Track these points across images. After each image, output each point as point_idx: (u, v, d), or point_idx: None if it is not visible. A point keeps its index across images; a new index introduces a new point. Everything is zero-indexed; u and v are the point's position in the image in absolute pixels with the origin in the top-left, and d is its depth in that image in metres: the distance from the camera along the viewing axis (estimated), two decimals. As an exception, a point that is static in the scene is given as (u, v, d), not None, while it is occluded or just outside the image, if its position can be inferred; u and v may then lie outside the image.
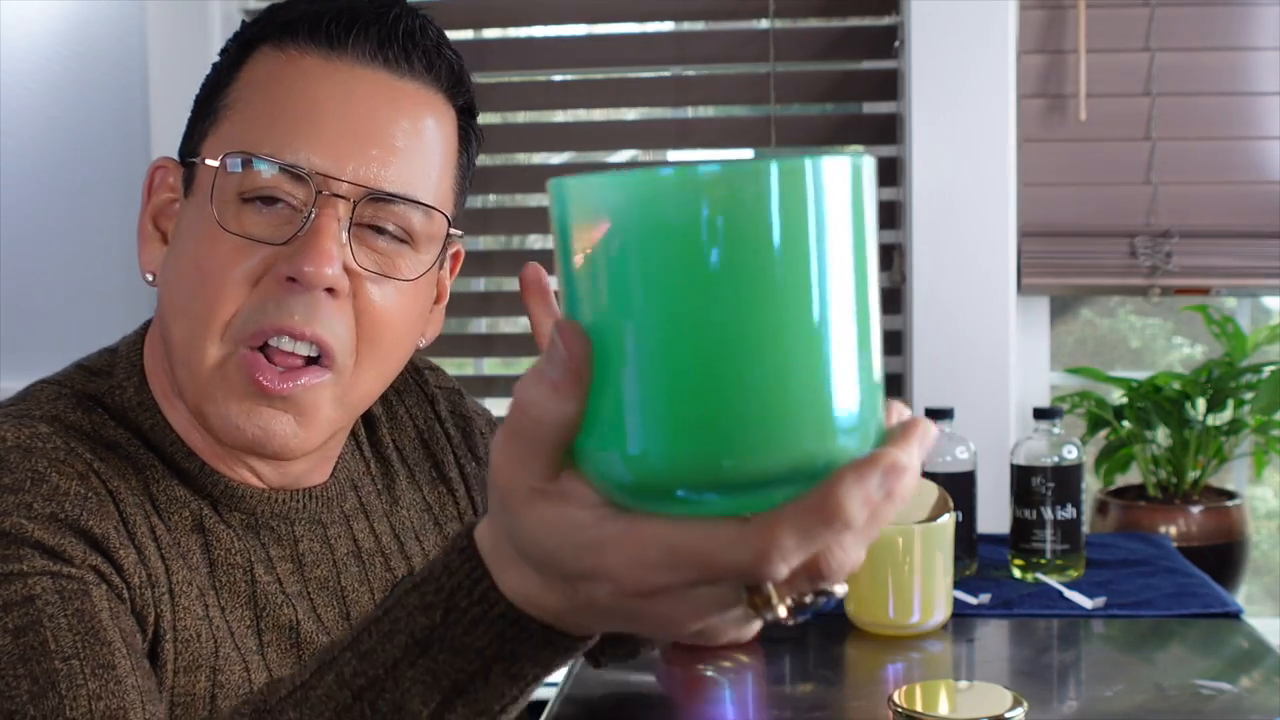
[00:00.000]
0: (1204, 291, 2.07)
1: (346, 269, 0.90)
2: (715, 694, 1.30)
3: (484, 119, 1.04)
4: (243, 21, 0.97)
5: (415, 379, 1.16)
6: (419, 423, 1.14)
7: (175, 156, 0.97)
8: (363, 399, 0.95)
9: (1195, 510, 1.87)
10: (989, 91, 2.03)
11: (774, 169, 0.50)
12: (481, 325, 2.37)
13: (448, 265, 1.03)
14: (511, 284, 2.45)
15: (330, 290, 0.89)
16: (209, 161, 0.90)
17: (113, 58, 2.25)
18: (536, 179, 2.38)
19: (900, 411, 0.56)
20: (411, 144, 0.92)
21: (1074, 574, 1.60)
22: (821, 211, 0.51)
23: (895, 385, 2.13)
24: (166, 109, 2.18)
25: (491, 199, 2.35)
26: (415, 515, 1.09)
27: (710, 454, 0.50)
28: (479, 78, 2.34)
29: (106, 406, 0.93)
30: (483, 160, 1.08)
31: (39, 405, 0.91)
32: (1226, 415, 1.97)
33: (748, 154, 2.28)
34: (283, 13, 0.94)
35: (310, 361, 0.90)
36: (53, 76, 2.27)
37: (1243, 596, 1.95)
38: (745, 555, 0.51)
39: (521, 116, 2.37)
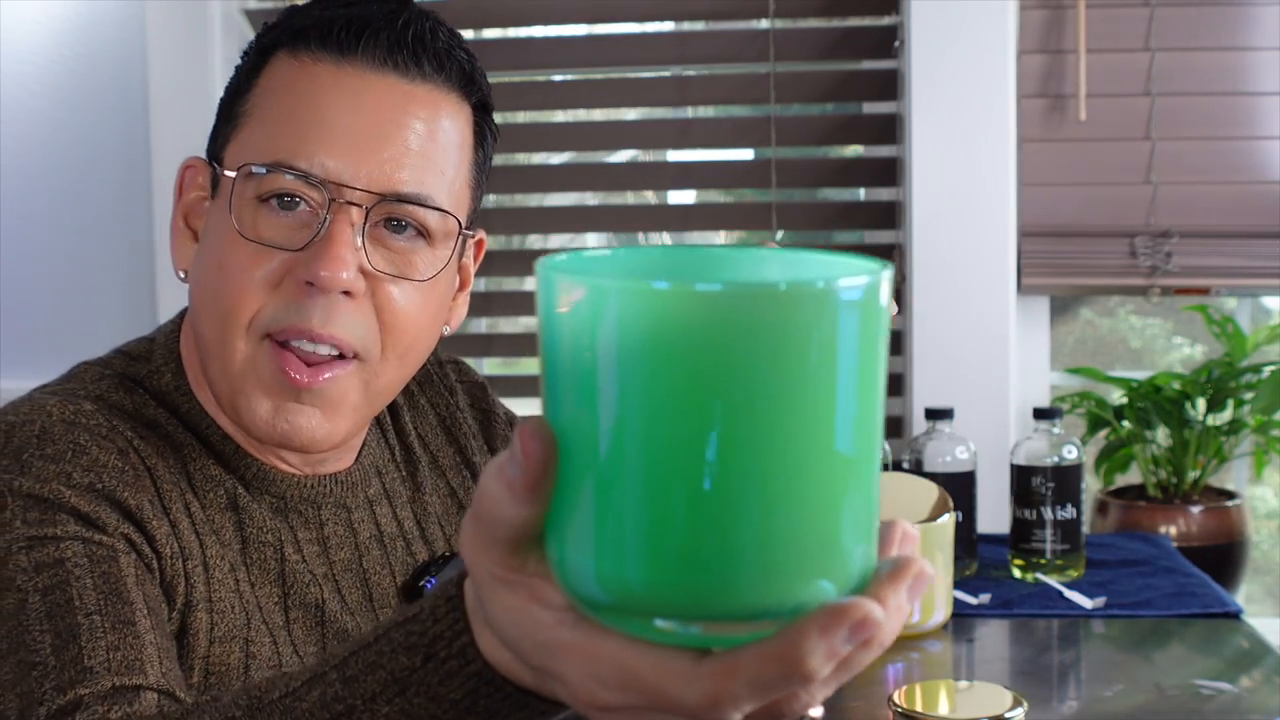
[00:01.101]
0: (1204, 291, 2.07)
1: (363, 271, 0.93)
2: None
3: (484, 119, 1.06)
4: (264, 24, 0.99)
5: (437, 372, 1.19)
6: (440, 411, 1.17)
7: (204, 155, 1.00)
8: (387, 389, 0.98)
9: (1195, 510, 1.88)
10: (989, 91, 2.03)
11: (784, 293, 0.46)
12: (481, 325, 2.37)
13: (470, 253, 1.06)
14: (511, 284, 2.45)
15: (347, 293, 0.92)
16: (227, 172, 0.94)
17: (113, 58, 2.25)
18: (536, 179, 2.38)
19: (902, 539, 0.53)
20: (424, 146, 0.94)
21: (1074, 574, 1.60)
22: (831, 339, 0.47)
23: (895, 385, 2.13)
24: (166, 109, 2.18)
25: (491, 199, 2.35)
26: (438, 501, 1.13)
27: (676, 585, 0.47)
28: (479, 78, 2.34)
29: (147, 389, 0.98)
30: (483, 160, 1.10)
31: (83, 385, 0.96)
32: (1226, 415, 1.97)
33: (748, 154, 2.28)
34: (297, 19, 0.96)
35: (334, 358, 0.94)
36: (53, 77, 2.27)
37: (1242, 596, 1.95)
38: (695, 696, 0.49)
39: (521, 116, 2.37)
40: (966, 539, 1.60)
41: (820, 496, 0.48)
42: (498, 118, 1.04)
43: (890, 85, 2.14)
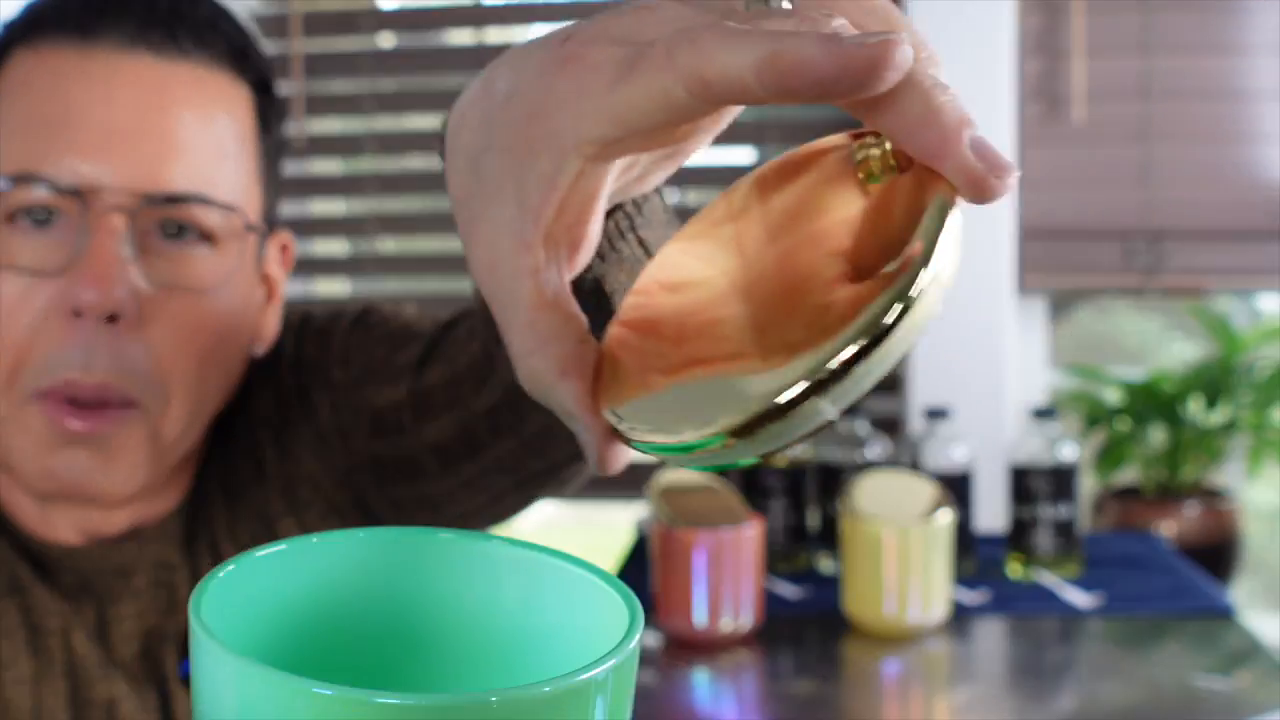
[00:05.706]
0: (1200, 291, 2.08)
1: (138, 291, 0.77)
2: (714, 692, 1.31)
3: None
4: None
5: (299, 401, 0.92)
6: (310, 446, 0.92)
7: None
8: (183, 436, 0.82)
9: (1191, 509, 1.89)
10: (989, 92, 2.04)
11: (495, 707, 0.31)
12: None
13: (276, 258, 0.89)
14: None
15: (114, 319, 0.76)
16: None
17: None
18: (536, 178, 2.38)
19: None
20: (193, 134, 0.79)
21: (1071, 573, 1.61)
22: None
23: (893, 385, 2.14)
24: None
25: (492, 198, 2.35)
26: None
27: None
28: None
29: None
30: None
31: None
32: (1222, 415, 1.98)
33: (748, 154, 2.29)
34: (33, 9, 0.81)
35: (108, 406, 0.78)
36: (55, 75, 2.27)
37: (1238, 595, 1.96)
38: None
39: (522, 116, 2.37)
40: (964, 538, 1.61)
41: None
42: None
43: (889, 86, 2.15)
